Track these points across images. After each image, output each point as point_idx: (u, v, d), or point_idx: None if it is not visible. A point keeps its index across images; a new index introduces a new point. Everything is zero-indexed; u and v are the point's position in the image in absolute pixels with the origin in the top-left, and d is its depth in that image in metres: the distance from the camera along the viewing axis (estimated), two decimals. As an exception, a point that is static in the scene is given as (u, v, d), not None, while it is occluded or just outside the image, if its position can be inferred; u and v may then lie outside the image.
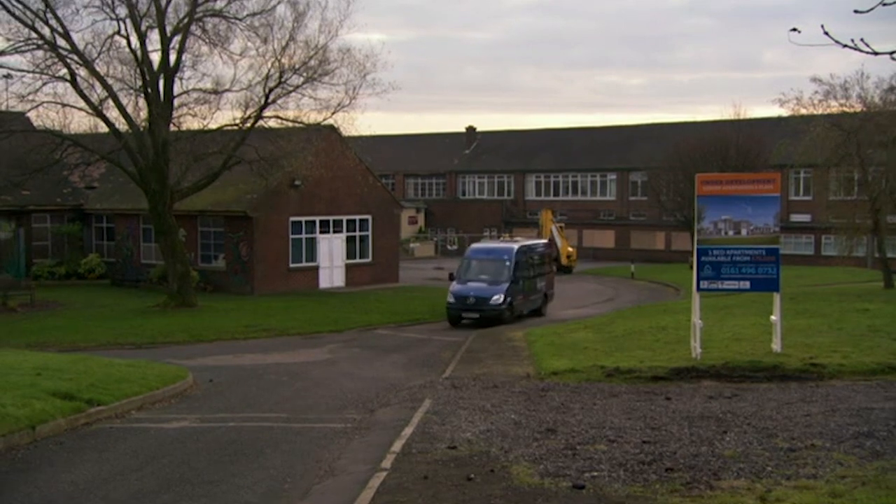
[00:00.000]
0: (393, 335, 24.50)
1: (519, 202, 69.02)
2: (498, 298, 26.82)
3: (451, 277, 28.33)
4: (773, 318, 15.92)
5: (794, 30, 5.15)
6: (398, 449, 9.59)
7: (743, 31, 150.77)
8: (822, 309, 22.55)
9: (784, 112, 32.98)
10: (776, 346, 15.75)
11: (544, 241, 36.54)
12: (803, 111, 31.80)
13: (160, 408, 13.43)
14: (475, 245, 31.23)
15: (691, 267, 16.71)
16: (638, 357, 16.63)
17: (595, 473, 8.35)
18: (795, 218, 55.77)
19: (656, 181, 54.47)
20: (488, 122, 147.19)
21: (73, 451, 10.22)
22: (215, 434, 11.14)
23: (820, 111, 31.59)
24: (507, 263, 27.90)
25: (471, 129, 75.37)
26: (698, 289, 15.96)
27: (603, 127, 70.06)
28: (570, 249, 50.33)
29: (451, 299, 27.06)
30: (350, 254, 39.35)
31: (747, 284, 15.81)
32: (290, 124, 32.10)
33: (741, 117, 55.00)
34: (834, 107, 31.38)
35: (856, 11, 4.67)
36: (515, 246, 28.89)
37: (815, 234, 53.81)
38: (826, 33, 4.73)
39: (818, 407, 11.17)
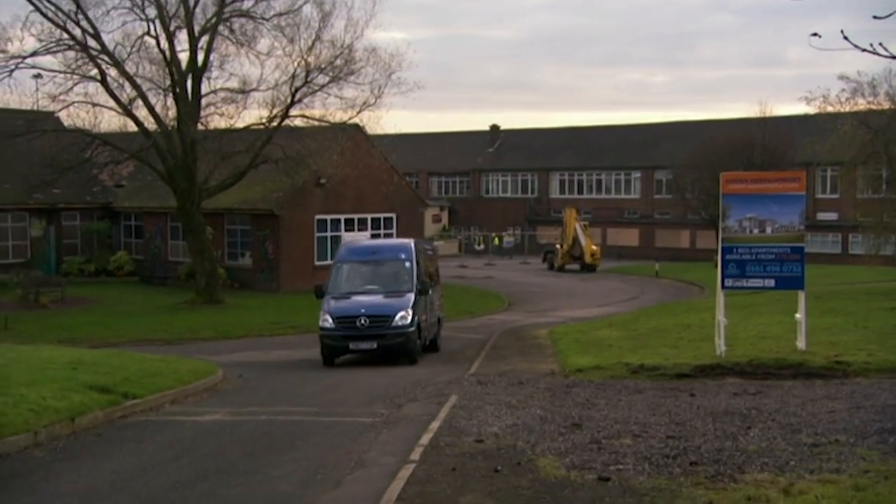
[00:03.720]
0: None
1: (543, 200, 69.06)
2: (404, 316, 18.48)
3: (319, 293, 19.55)
4: (797, 316, 15.96)
5: (815, 34, 5.28)
6: (426, 442, 9.79)
7: (765, 28, 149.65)
8: (848, 307, 22.50)
9: (810, 110, 32.85)
10: (801, 343, 15.79)
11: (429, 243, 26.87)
12: (830, 109, 31.64)
13: (192, 402, 13.73)
14: (351, 243, 22.62)
15: (716, 265, 16.78)
16: (662, 354, 16.72)
17: (620, 466, 8.50)
18: (822, 216, 55.41)
19: (681, 179, 54.34)
20: (511, 119, 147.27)
21: (111, 441, 10.51)
22: (248, 427, 11.40)
23: (847, 109, 31.41)
24: (408, 265, 19.72)
25: (494, 128, 75.48)
26: (723, 287, 16.03)
27: (627, 125, 69.94)
28: (594, 248, 50.33)
29: (327, 323, 18.49)
30: (375, 252, 39.49)
31: (772, 283, 15.86)
32: (316, 123, 32.45)
33: (766, 115, 54.74)
34: (861, 104, 31.21)
35: (875, 17, 4.79)
36: (412, 242, 21.07)
37: (843, 233, 53.46)
38: (846, 38, 4.85)
39: (842, 404, 11.24)
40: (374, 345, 18.36)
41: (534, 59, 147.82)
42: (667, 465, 8.50)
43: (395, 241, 24.55)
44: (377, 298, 19.10)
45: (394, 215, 40.39)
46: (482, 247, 60.75)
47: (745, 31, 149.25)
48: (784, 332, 17.50)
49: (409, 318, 18.52)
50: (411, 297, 18.94)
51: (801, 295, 15.81)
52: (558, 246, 51.24)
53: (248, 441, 10.51)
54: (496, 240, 62.34)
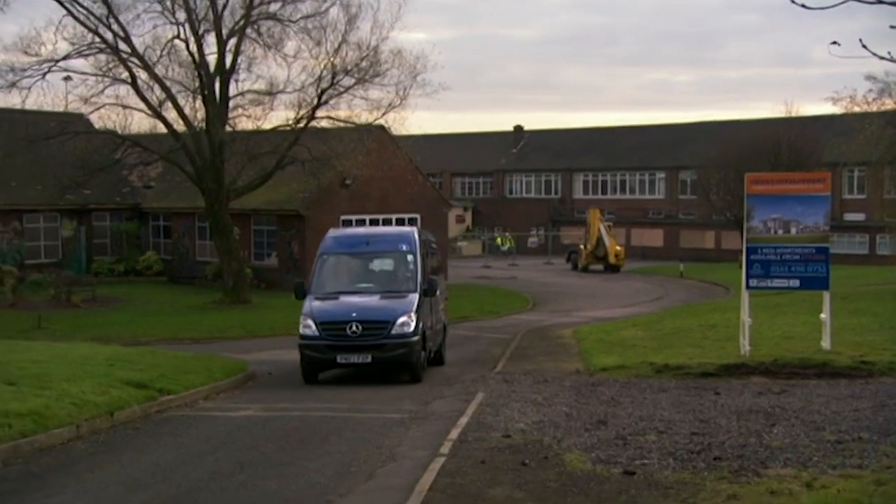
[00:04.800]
0: (443, 331, 24.85)
1: (566, 201, 69.10)
2: (406, 323, 15.32)
3: (301, 293, 16.20)
4: (822, 316, 16.04)
5: (835, 43, 5.45)
6: (455, 437, 10.03)
7: (791, 27, 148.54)
8: (875, 308, 22.48)
9: (837, 110, 32.80)
10: (826, 343, 15.87)
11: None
12: (857, 109, 31.57)
13: (224, 398, 14.06)
14: (338, 232, 18.51)
15: (741, 266, 16.90)
16: (687, 354, 16.85)
17: (645, 461, 8.69)
18: (849, 217, 55.07)
19: (706, 180, 54.20)
20: (534, 120, 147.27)
21: (150, 435, 10.86)
22: (280, 422, 11.71)
23: (874, 109, 31.32)
24: (410, 259, 16.56)
25: (518, 128, 75.63)
26: (747, 287, 16.14)
27: (651, 125, 69.85)
28: (618, 248, 50.35)
29: (309, 329, 15.33)
30: (400, 252, 39.73)
31: (797, 283, 15.95)
32: (342, 125, 32.78)
33: (793, 115, 54.49)
34: (889, 104, 31.12)
35: (892, 27, 4.96)
36: (414, 230, 17.73)
37: (870, 234, 53.10)
38: (864, 46, 5.02)
39: (867, 402, 11.36)
40: (369, 358, 15.04)
41: (557, 58, 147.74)
42: (691, 459, 8.69)
43: (394, 228, 20.05)
44: (372, 300, 15.86)
45: (418, 216, 40.64)
46: (507, 247, 60.86)
47: (771, 29, 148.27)
48: (809, 332, 17.56)
49: (412, 325, 15.25)
50: (415, 298, 15.72)
51: (826, 295, 15.89)
52: (582, 246, 51.32)
53: (281, 435, 10.81)
54: (499, 240, 62.22)
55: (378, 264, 17.06)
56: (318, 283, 16.34)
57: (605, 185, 68.25)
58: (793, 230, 15.87)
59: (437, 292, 17.25)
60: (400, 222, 39.60)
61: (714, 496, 7.45)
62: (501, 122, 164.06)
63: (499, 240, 62.65)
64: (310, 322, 15.35)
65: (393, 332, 15.21)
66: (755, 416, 10.77)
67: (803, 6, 4.70)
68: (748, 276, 16.05)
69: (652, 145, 65.90)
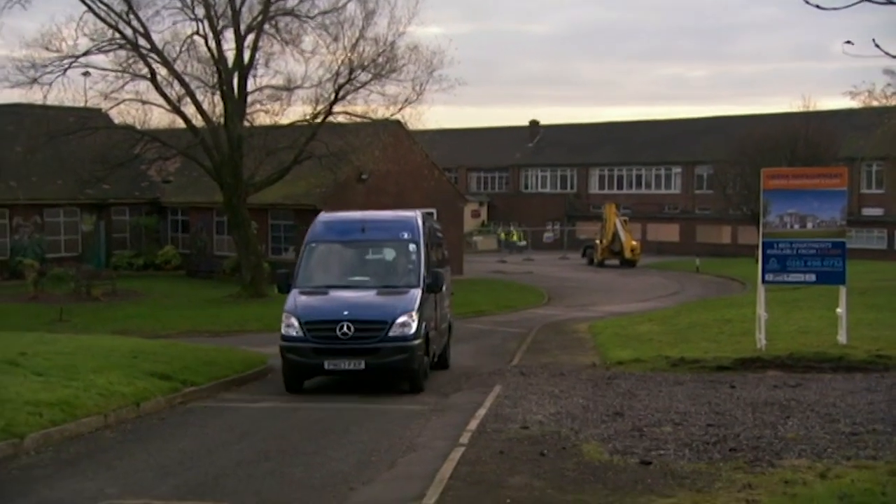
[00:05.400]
0: (458, 326, 24.80)
1: (582, 196, 69.09)
2: (407, 323, 13.45)
3: (284, 285, 14.57)
4: (838, 310, 16.11)
5: (848, 42, 5.57)
6: (474, 428, 10.21)
7: (808, 21, 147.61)
8: (892, 303, 22.50)
9: (855, 104, 32.75)
10: (842, 338, 15.95)
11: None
12: (875, 104, 31.53)
13: (246, 389, 14.31)
14: (329, 216, 16.01)
15: (757, 261, 16.99)
16: (703, 348, 16.97)
17: (661, 452, 8.85)
18: (867, 212, 54.84)
19: (722, 175, 54.10)
20: (550, 115, 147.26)
21: (175, 425, 11.11)
22: (303, 413, 11.95)
23: (893, 103, 31.25)
24: (413, 248, 14.67)
25: (534, 123, 75.64)
26: (763, 281, 16.24)
27: (667, 120, 69.74)
28: (633, 243, 50.38)
29: (292, 329, 13.53)
30: (415, 246, 39.90)
31: (813, 277, 16.04)
32: (359, 119, 32.97)
33: (810, 109, 54.29)
34: (907, 99, 31.04)
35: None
36: (417, 215, 15.46)
37: (888, 228, 52.83)
38: (877, 45, 5.15)
39: (882, 396, 11.46)
40: (362, 364, 13.12)
41: (572, 53, 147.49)
42: (707, 450, 8.84)
43: (394, 213, 17.08)
44: (367, 296, 13.96)
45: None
46: (524, 242, 60.90)
47: (788, 23, 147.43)
48: (825, 326, 17.63)
49: (414, 326, 13.34)
50: (417, 294, 13.83)
51: (843, 290, 15.96)
52: (598, 241, 51.38)
53: (304, 426, 11.04)
54: (502, 234, 62.17)
55: (375, 254, 15.14)
56: (304, 276, 14.48)
57: (620, 179, 68.19)
58: (809, 225, 15.95)
59: (444, 287, 15.43)
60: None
61: (729, 485, 7.60)
62: (517, 116, 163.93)
63: (502, 234, 62.61)
64: (293, 321, 13.48)
65: (391, 333, 13.26)
66: (770, 408, 10.90)
67: (817, 6, 4.82)
68: (764, 271, 16.14)
69: (668, 140, 65.79)
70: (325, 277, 14.54)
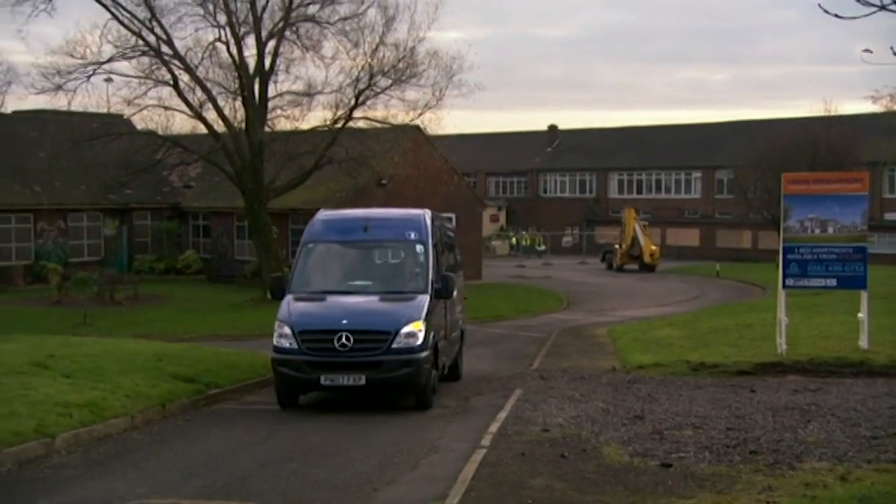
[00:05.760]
0: (477, 330, 25.06)
1: (601, 200, 69.02)
2: (413, 333, 12.29)
3: (278, 291, 13.33)
4: (860, 315, 16.07)
5: (867, 50, 5.63)
6: (495, 430, 10.32)
7: (831, 24, 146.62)
8: (914, 308, 22.34)
9: (877, 108, 32.53)
10: (863, 343, 15.90)
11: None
12: (897, 108, 31.31)
13: (268, 392, 14.41)
14: (328, 214, 14.76)
15: (778, 266, 16.98)
16: (723, 353, 16.96)
17: (682, 454, 8.92)
18: (890, 216, 54.40)
19: (743, 179, 53.87)
20: (568, 119, 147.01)
21: (200, 426, 11.31)
22: (323, 415, 12.12)
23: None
24: (420, 250, 13.49)
25: (552, 128, 75.68)
26: (784, 286, 16.23)
27: (687, 124, 69.51)
28: (653, 248, 50.28)
29: (285, 340, 12.36)
30: (434, 251, 39.99)
31: (833, 282, 16.00)
32: (379, 125, 33.16)
33: (831, 113, 53.97)
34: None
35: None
36: (426, 213, 14.16)
37: (910, 233, 52.37)
38: (895, 53, 5.21)
39: (903, 400, 11.45)
40: (362, 379, 11.91)
41: (590, 57, 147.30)
42: (727, 453, 8.90)
43: (401, 211, 15.74)
44: (369, 302, 12.77)
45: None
46: (543, 247, 60.82)
47: (809, 26, 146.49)
48: (846, 331, 17.58)
49: (421, 336, 12.20)
50: (424, 301, 12.65)
51: (864, 295, 15.92)
52: (617, 246, 51.33)
53: (326, 428, 11.19)
54: (514, 239, 61.97)
55: (379, 256, 14.01)
56: (300, 280, 13.24)
57: (640, 184, 68.08)
58: (830, 230, 15.93)
59: (454, 293, 14.02)
60: (435, 222, 39.78)
61: (749, 487, 7.65)
62: (535, 120, 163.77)
63: (514, 239, 62.47)
64: (286, 330, 12.28)
65: (395, 345, 12.06)
66: (791, 412, 10.93)
67: (836, 16, 4.88)
68: (785, 276, 16.13)
69: (687, 144, 65.62)
70: (323, 282, 13.34)
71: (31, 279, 35.20)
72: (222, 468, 9.07)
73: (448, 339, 14.16)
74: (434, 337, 12.70)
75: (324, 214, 14.49)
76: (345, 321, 12.17)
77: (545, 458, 8.94)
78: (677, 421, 10.63)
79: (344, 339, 12.01)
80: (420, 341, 12.23)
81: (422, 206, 26.09)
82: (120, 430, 10.68)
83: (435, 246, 13.63)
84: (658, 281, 44.30)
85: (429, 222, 13.77)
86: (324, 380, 12.04)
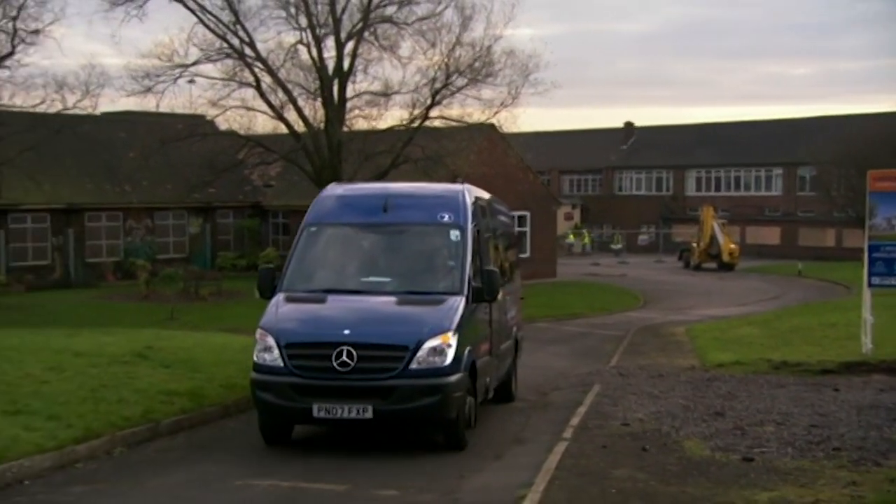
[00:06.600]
0: (553, 328, 25.19)
1: (678, 198, 68.13)
2: (439, 349, 9.26)
3: (268, 288, 10.45)
4: (948, 314, 15.73)
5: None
6: (576, 424, 10.51)
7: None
8: None
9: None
10: (952, 343, 15.56)
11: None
12: None
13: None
14: (339, 188, 11.73)
15: (863, 265, 16.72)
16: (806, 352, 16.78)
17: (764, 450, 8.98)
18: (980, 214, 52.38)
19: (826, 176, 52.60)
20: (644, 115, 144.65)
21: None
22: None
23: None
24: (455, 236, 10.43)
25: (628, 125, 74.99)
26: (869, 285, 16.01)
27: (767, 120, 68.11)
28: (732, 246, 49.51)
29: (268, 355, 9.53)
30: (509, 249, 40.16)
31: (922, 281, 15.68)
32: (454, 123, 33.51)
33: (919, 108, 52.22)
34: None
35: None
36: (464, 191, 11.09)
37: None
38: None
39: None
40: (368, 410, 9.02)
41: (666, 52, 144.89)
42: (810, 449, 8.93)
43: (431, 186, 13.30)
44: (383, 305, 9.82)
45: (527, 213, 41.01)
46: (620, 245, 60.33)
47: (894, 18, 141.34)
48: (936, 331, 17.19)
49: (451, 353, 9.24)
50: (458, 305, 9.66)
51: (953, 293, 15.57)
52: (694, 244, 50.70)
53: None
54: (572, 237, 61.27)
55: (400, 244, 10.64)
56: (295, 274, 10.36)
57: (718, 181, 66.98)
58: (918, 228, 15.61)
59: (500, 294, 10.81)
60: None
61: (833, 482, 7.70)
62: (610, 117, 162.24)
63: (571, 236, 61.94)
64: (270, 341, 9.44)
65: (414, 364, 9.11)
66: (876, 411, 10.84)
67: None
68: (870, 274, 15.89)
69: (768, 140, 64.25)
70: (325, 277, 10.47)
71: (121, 275, 36.61)
72: (312, 453, 9.59)
73: (494, 355, 11.22)
74: (471, 353, 9.68)
75: (332, 189, 11.47)
76: (347, 331, 9.21)
77: (627, 451, 9.10)
78: (759, 417, 10.65)
79: (345, 356, 9.03)
80: (449, 360, 9.19)
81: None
82: (216, 417, 11.23)
83: (478, 232, 10.64)
84: (737, 280, 43.62)
85: (468, 201, 10.70)
86: (317, 410, 9.07)
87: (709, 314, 29.09)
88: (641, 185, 71.10)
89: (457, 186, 11.37)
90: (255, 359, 9.60)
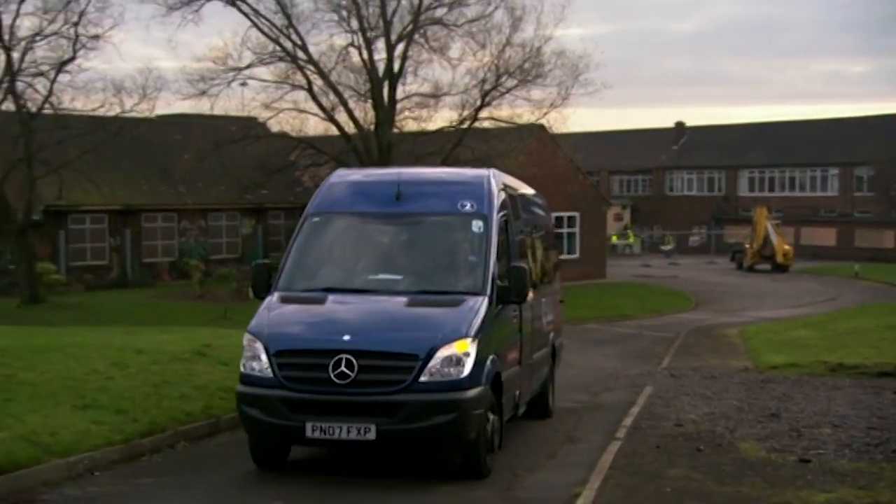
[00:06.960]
0: (603, 329, 25.10)
1: (731, 198, 67.26)
2: (455, 358, 7.92)
3: (261, 287, 8.94)
4: None
5: None
6: (629, 424, 10.53)
7: None
8: None
9: None
10: None
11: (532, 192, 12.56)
12: None
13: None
14: (347, 173, 10.68)
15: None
16: (863, 354, 16.54)
17: (820, 451, 8.90)
18: None
19: (885, 176, 51.57)
20: (694, 115, 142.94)
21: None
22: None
23: None
24: (478, 227, 8.99)
25: (679, 125, 74.23)
26: (929, 286, 15.68)
27: (823, 119, 66.89)
28: (786, 247, 48.74)
29: (256, 364, 8.21)
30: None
31: (984, 282, 15.34)
32: (504, 124, 33.55)
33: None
34: None
35: None
36: (489, 176, 9.59)
37: None
38: None
39: None
40: (371, 430, 7.82)
41: (717, 51, 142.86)
42: (868, 451, 8.83)
43: (450, 171, 12.27)
44: (391, 307, 8.56)
45: (577, 214, 40.86)
46: (670, 246, 59.67)
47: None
48: None
49: (469, 364, 8.00)
50: (479, 307, 8.41)
51: None
52: (747, 245, 50.01)
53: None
54: (614, 238, 60.47)
55: (415, 237, 9.33)
56: (293, 270, 9.11)
57: (772, 181, 65.94)
58: (980, 228, 15.29)
59: (532, 294, 9.59)
60: (559, 220, 39.51)
61: (893, 485, 7.61)
62: (660, 117, 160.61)
63: (614, 238, 61.29)
64: (258, 348, 8.29)
65: (425, 377, 7.88)
66: (937, 414, 10.66)
67: None
68: (930, 275, 15.58)
69: (823, 140, 63.09)
70: (327, 274, 9.21)
71: (176, 275, 37.32)
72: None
73: (527, 365, 9.95)
74: (494, 363, 8.39)
75: (340, 175, 10.17)
76: (347, 336, 8.01)
77: (680, 451, 9.09)
78: (815, 420, 10.55)
79: (344, 366, 7.83)
80: (467, 371, 7.94)
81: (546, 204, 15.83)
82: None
83: (505, 224, 9.40)
84: (791, 281, 42.95)
85: (494, 188, 9.35)
86: (311, 430, 7.90)
87: (762, 316, 28.72)
88: (693, 185, 70.30)
89: (482, 171, 9.92)
90: (241, 369, 8.40)
